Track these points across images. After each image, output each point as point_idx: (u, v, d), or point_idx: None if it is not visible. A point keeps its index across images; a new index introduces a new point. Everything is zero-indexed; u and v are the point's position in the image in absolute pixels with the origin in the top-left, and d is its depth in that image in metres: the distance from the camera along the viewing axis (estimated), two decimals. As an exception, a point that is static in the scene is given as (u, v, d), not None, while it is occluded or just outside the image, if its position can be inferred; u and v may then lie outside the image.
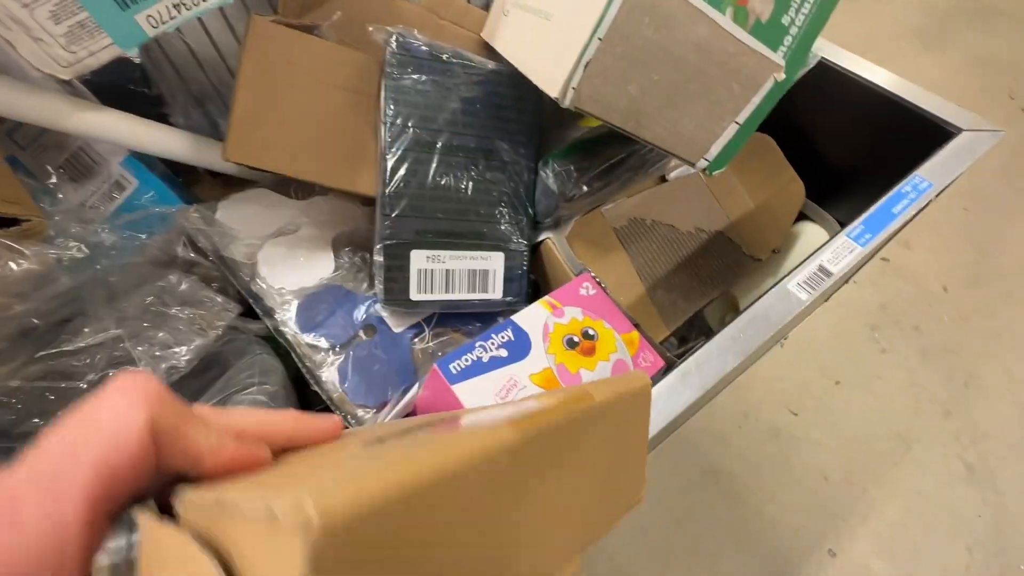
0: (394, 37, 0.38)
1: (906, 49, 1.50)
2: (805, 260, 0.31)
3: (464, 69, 0.40)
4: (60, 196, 0.38)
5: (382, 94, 0.38)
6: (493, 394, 0.31)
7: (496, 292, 0.42)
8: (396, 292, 0.39)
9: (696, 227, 0.45)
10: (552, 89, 0.26)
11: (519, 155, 0.42)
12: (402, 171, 0.38)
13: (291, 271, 0.39)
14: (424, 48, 0.39)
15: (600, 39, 0.24)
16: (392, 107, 0.38)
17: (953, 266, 1.20)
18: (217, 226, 0.38)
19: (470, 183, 0.40)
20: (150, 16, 0.32)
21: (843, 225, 0.48)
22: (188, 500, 0.12)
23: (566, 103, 0.26)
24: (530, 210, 0.43)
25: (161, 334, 0.32)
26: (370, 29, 0.38)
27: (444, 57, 0.39)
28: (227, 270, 0.38)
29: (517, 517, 0.13)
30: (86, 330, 0.31)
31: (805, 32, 0.26)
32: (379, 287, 0.39)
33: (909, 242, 1.22)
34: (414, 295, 0.39)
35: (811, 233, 0.49)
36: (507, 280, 0.42)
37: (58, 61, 0.31)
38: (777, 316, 0.29)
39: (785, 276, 0.31)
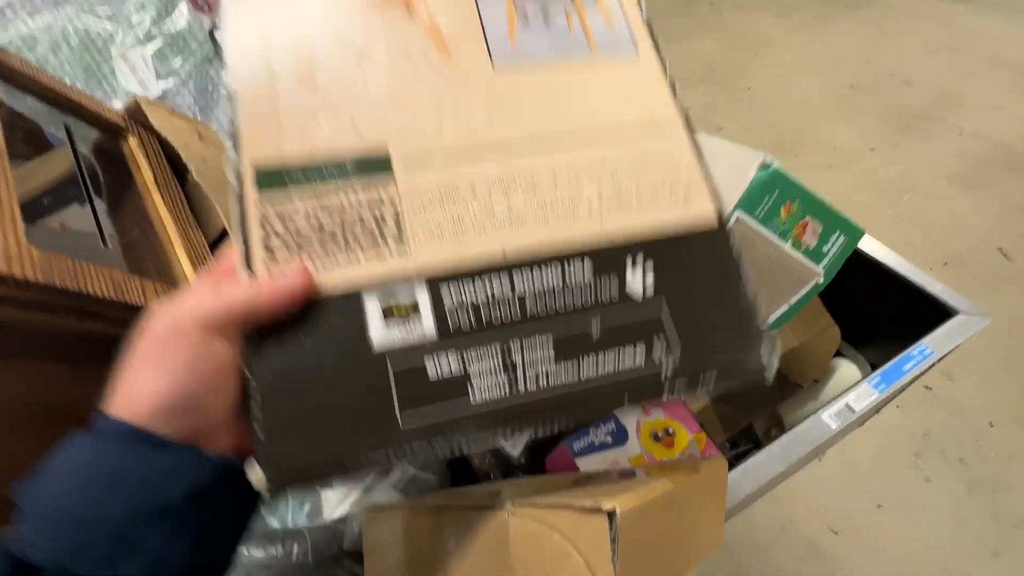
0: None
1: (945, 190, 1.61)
2: (836, 397, 0.43)
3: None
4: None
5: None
6: (603, 467, 0.43)
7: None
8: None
9: (751, 356, 0.58)
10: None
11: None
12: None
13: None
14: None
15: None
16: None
17: (998, 402, 1.21)
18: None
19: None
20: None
21: (871, 363, 0.60)
22: (513, 508, 0.26)
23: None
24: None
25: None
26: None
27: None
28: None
29: (678, 526, 0.26)
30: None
31: (837, 256, 0.41)
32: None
33: (951, 373, 1.25)
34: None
35: (845, 368, 0.61)
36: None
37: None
38: (813, 437, 0.41)
39: (822, 407, 0.43)
